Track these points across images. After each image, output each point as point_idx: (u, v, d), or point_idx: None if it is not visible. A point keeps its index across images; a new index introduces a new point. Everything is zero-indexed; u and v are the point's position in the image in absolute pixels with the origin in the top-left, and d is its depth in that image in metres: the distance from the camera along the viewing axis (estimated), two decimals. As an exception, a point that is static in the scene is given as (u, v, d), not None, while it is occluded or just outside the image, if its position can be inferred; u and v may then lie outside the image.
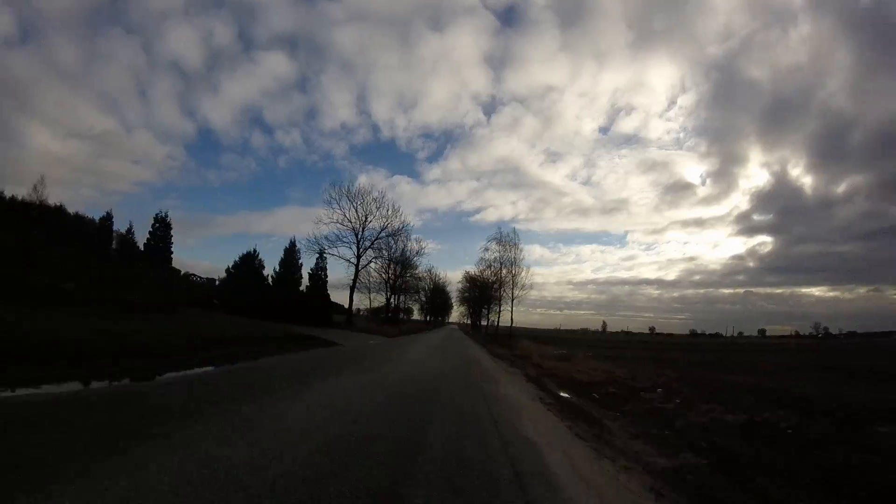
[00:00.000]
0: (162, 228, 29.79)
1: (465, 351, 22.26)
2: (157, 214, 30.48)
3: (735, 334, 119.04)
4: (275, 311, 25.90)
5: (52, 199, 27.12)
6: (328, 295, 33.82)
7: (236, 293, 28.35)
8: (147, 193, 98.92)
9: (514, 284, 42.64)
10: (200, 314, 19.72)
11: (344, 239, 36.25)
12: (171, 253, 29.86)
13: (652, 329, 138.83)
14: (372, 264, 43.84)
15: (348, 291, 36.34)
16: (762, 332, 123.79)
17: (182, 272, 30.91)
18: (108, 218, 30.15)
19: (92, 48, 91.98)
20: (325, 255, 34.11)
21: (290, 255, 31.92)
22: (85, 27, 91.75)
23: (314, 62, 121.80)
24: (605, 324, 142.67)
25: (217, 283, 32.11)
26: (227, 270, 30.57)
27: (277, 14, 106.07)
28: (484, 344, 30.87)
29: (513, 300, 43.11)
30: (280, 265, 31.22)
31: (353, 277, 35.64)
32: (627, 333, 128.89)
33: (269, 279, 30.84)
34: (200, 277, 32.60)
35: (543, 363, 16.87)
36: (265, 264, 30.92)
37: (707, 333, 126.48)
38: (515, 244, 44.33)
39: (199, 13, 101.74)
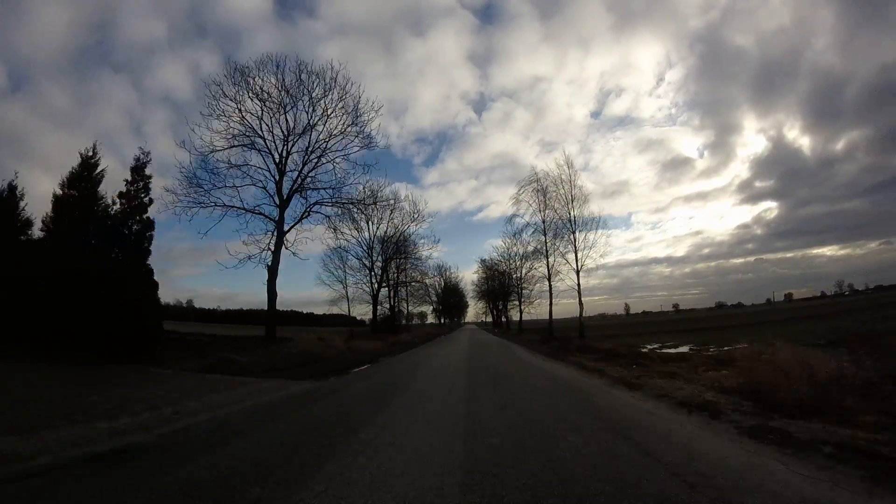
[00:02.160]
0: None
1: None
2: None
3: (763, 301, 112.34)
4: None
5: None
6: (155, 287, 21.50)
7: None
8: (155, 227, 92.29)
9: (575, 247, 25.80)
10: None
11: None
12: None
13: (676, 306, 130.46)
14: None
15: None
16: (789, 296, 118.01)
17: None
18: None
19: (84, 90, 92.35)
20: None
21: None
22: (74, 70, 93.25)
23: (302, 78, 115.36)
24: (627, 306, 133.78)
25: None
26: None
27: (260, 37, 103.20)
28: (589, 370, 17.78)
29: (578, 270, 25.64)
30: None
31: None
32: (646, 314, 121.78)
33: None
34: None
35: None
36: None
37: (730, 304, 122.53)
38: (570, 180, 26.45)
39: (184, 45, 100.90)
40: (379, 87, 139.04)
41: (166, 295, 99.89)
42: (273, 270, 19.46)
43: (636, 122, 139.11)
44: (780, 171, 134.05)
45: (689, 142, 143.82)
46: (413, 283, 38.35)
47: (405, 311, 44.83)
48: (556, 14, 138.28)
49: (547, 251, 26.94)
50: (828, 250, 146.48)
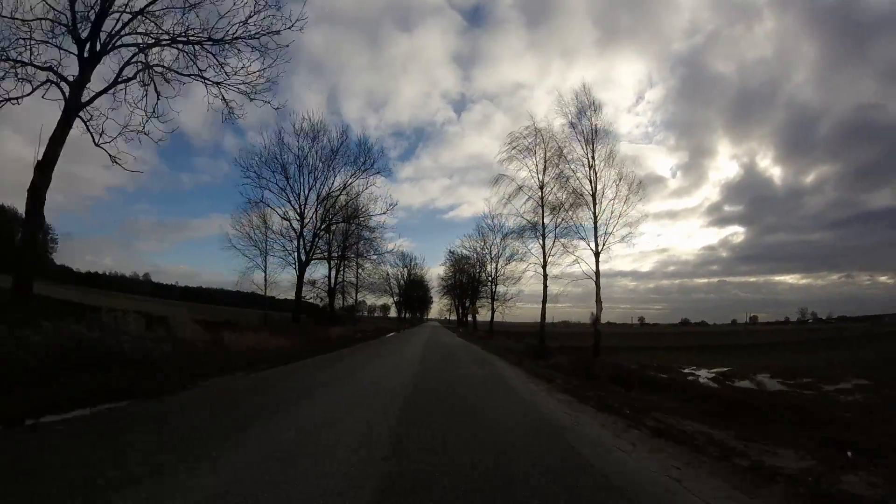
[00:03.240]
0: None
1: None
2: None
3: (727, 322, 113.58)
4: None
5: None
6: None
7: None
8: (119, 199, 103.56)
9: (595, 217, 18.65)
10: None
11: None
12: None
13: (641, 319, 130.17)
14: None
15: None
16: (753, 318, 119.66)
17: None
18: None
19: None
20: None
21: None
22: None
23: (284, 64, 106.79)
24: (594, 315, 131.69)
25: None
26: None
27: (244, 16, 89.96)
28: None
29: (598, 250, 18.28)
30: None
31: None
32: (610, 325, 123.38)
33: None
34: None
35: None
36: None
37: (693, 322, 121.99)
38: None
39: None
40: (360, 79, 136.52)
41: (124, 266, 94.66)
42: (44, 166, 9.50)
43: (613, 136, 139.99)
44: (749, 197, 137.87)
45: (663, 161, 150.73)
46: (363, 263, 30.37)
47: (354, 299, 36.65)
48: (542, 23, 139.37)
49: (544, 228, 19.92)
50: (790, 278, 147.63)
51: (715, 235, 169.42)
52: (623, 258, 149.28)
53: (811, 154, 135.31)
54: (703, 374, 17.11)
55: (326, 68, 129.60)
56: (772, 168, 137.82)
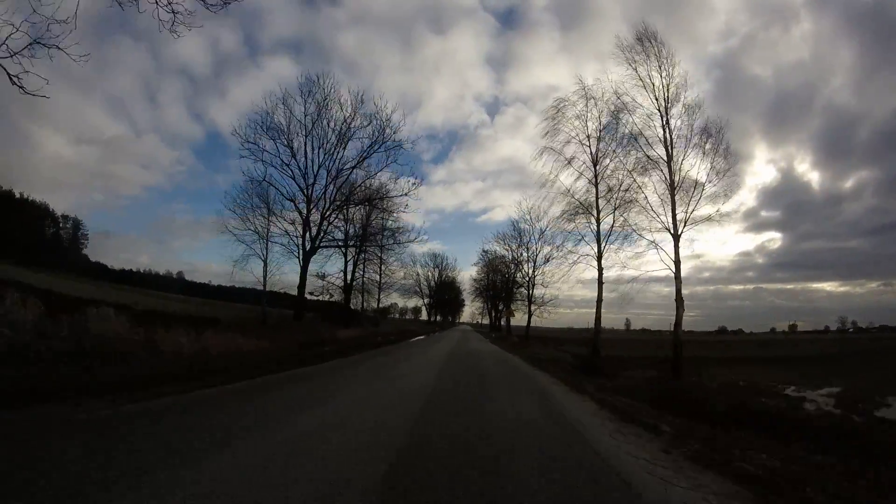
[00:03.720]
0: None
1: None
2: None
3: (765, 330, 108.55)
4: None
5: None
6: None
7: None
8: (156, 197, 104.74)
9: (672, 187, 15.84)
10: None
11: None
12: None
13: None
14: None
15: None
16: (793, 327, 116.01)
17: None
18: None
19: (101, 54, 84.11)
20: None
21: None
22: (93, 35, 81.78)
23: (319, 65, 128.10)
24: (629, 322, 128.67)
25: None
26: None
27: (282, 19, 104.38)
28: None
29: (678, 233, 15.48)
30: None
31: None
32: (644, 331, 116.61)
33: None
34: None
35: None
36: None
37: (729, 330, 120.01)
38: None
39: (206, 19, 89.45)
40: (393, 81, 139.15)
41: (159, 265, 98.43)
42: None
43: (648, 140, 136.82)
44: (786, 202, 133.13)
45: (698, 165, 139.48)
46: (386, 259, 27.11)
47: (377, 300, 33.39)
48: (576, 26, 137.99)
49: (599, 212, 15.80)
50: (827, 286, 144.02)
51: (751, 241, 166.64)
52: (656, 263, 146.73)
53: (850, 159, 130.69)
54: (818, 398, 13.02)
55: (360, 69, 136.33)
56: (809, 173, 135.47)
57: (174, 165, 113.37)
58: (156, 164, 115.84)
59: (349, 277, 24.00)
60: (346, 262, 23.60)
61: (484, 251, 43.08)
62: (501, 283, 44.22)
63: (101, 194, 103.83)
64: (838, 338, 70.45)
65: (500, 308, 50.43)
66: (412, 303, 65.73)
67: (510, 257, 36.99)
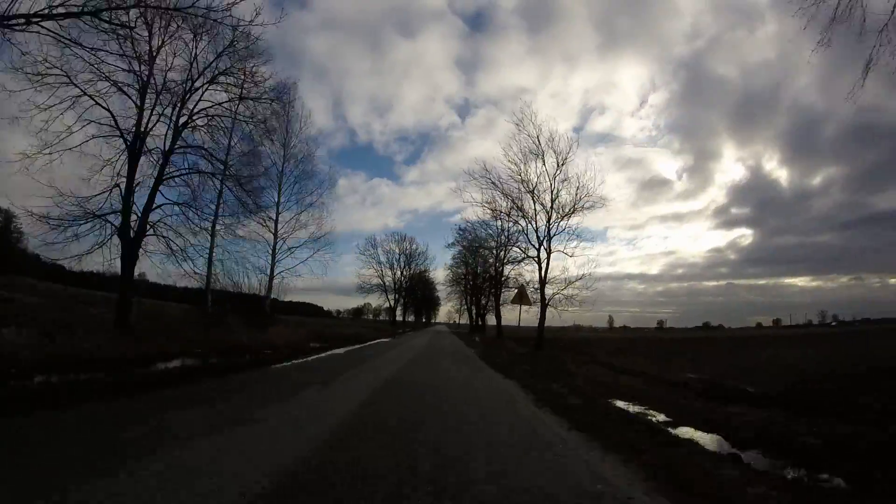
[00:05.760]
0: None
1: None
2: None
3: (738, 325, 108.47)
4: None
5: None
6: None
7: None
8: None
9: None
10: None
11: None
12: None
13: (661, 323, 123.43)
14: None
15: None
16: (777, 321, 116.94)
17: None
18: None
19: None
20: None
21: None
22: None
23: (289, 69, 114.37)
24: (612, 319, 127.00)
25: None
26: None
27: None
28: None
29: None
30: None
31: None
32: (626, 329, 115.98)
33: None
34: None
35: None
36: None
37: (711, 326, 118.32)
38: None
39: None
40: (364, 84, 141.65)
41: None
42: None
43: (617, 140, 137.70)
44: (756, 199, 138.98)
45: (668, 164, 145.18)
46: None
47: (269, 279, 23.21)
48: (543, 29, 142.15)
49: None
50: (799, 281, 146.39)
51: (722, 238, 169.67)
52: (630, 261, 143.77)
53: (817, 156, 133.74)
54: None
55: (330, 73, 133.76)
56: (778, 170, 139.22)
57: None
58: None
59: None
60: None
61: (461, 229, 32.62)
62: (484, 271, 36.69)
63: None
64: (827, 332, 65.21)
65: (482, 303, 43.03)
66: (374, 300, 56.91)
67: (500, 229, 28.75)
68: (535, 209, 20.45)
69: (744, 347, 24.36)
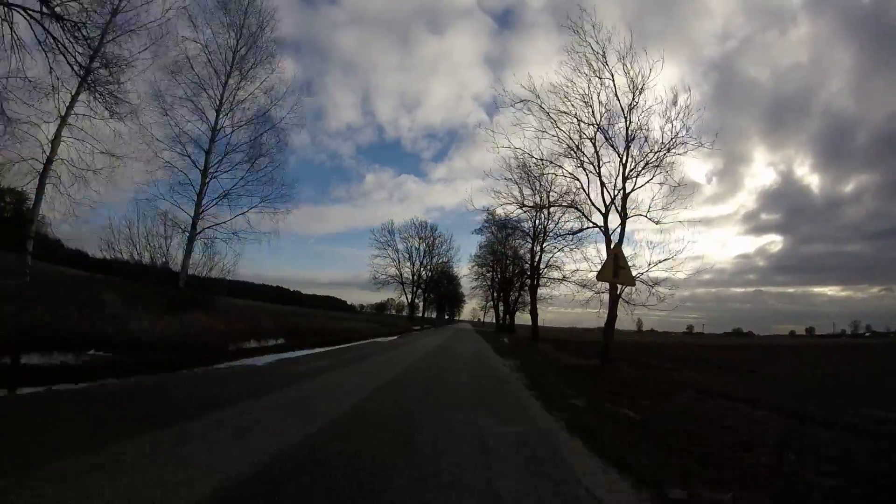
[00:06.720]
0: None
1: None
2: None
3: (769, 333, 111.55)
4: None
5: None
6: None
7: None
8: (154, 193, 74.47)
9: None
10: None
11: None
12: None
13: (690, 328, 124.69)
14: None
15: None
16: (810, 330, 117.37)
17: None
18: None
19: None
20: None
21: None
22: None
23: (318, 64, 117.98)
24: (640, 322, 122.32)
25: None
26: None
27: (281, 18, 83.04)
28: None
29: None
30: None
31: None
32: (653, 332, 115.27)
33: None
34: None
35: None
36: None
37: (743, 332, 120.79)
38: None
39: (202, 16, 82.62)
40: (391, 79, 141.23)
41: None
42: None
43: (646, 141, 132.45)
44: (787, 205, 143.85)
45: (697, 167, 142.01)
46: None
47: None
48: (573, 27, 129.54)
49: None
50: (829, 290, 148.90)
51: (751, 244, 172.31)
52: (656, 265, 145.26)
53: (849, 162, 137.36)
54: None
55: (359, 68, 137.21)
56: (809, 176, 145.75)
57: (175, 160, 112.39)
58: (156, 160, 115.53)
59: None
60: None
61: (489, 213, 24.56)
62: (515, 264, 31.39)
63: (100, 186, 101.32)
64: (863, 343, 62.33)
65: (510, 300, 37.41)
66: (393, 294, 52.45)
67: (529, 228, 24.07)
68: (598, 156, 14.13)
69: (814, 360, 20.36)
